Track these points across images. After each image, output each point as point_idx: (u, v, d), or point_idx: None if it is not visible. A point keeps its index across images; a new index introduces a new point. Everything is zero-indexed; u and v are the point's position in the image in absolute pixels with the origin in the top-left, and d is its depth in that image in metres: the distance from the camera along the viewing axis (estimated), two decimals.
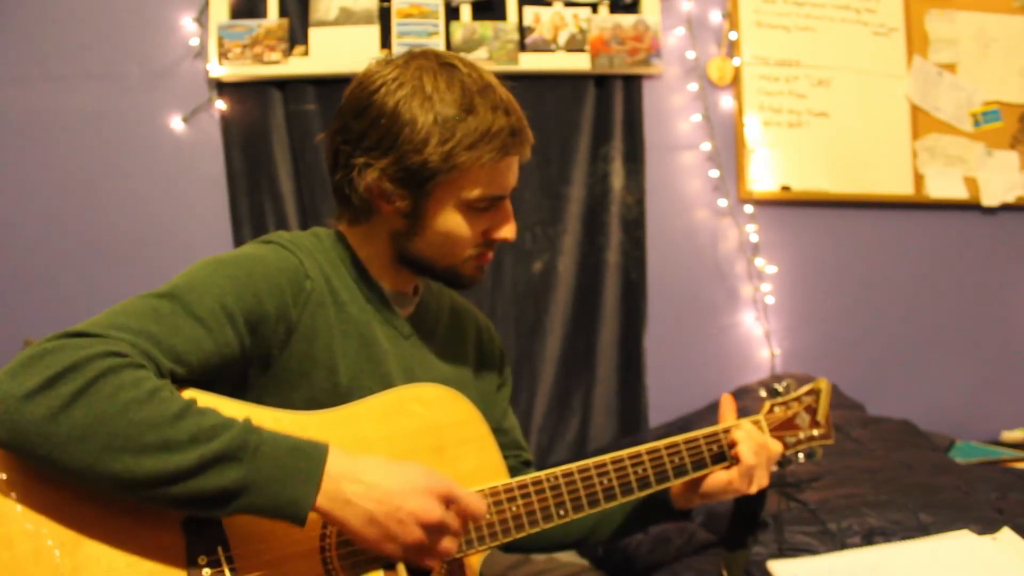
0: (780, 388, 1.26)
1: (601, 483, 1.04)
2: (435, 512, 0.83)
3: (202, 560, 0.80)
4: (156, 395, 0.77)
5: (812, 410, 1.26)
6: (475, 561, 0.96)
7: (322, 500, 0.79)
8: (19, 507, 0.75)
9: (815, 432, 1.25)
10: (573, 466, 1.03)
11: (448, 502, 0.85)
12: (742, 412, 1.22)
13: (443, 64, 1.00)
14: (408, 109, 0.96)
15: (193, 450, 0.75)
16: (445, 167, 0.97)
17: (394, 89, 0.97)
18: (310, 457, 0.80)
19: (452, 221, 1.01)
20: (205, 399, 0.87)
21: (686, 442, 1.13)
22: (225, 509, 0.77)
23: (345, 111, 1.02)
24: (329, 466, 0.80)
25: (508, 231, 1.05)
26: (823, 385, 1.27)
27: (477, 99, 0.97)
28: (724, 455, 1.15)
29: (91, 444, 0.73)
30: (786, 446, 1.22)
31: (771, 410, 1.24)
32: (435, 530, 0.84)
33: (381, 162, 0.98)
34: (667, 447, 1.11)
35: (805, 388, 1.27)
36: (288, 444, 0.80)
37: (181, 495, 0.75)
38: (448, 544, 0.85)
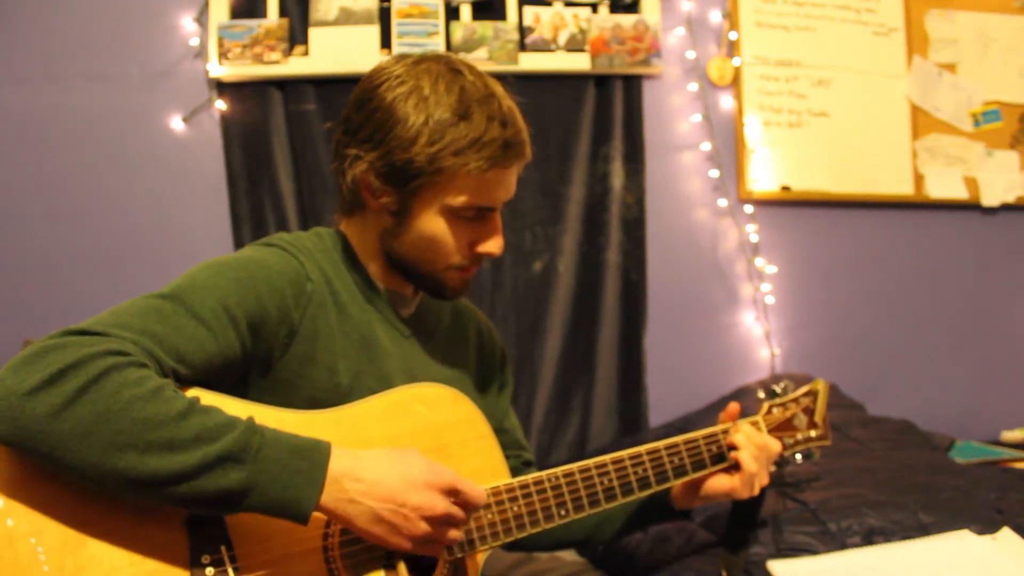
0: (778, 389, 1.27)
1: (602, 483, 1.04)
2: (438, 506, 0.84)
3: (205, 559, 0.80)
4: (160, 393, 0.77)
5: (810, 411, 1.26)
6: (478, 560, 0.97)
7: (326, 500, 0.80)
8: (22, 505, 0.75)
9: (812, 433, 1.25)
10: (574, 466, 1.03)
11: (450, 494, 0.86)
12: (742, 413, 1.22)
13: (450, 69, 1.00)
14: (403, 107, 0.97)
15: (197, 450, 0.75)
16: (430, 168, 0.97)
17: (395, 85, 0.98)
18: (312, 458, 0.80)
19: (436, 225, 1.01)
20: (208, 398, 0.87)
21: (686, 443, 1.13)
22: (228, 509, 0.78)
23: (350, 102, 1.03)
24: (332, 466, 0.81)
25: (494, 245, 1.04)
26: (820, 386, 1.28)
27: (475, 107, 0.97)
28: (723, 456, 1.15)
29: (94, 441, 0.73)
30: (784, 447, 1.23)
31: (769, 411, 1.24)
32: (440, 522, 0.85)
33: (370, 155, 0.99)
34: (667, 448, 1.11)
35: (803, 389, 1.27)
36: (291, 444, 0.80)
37: (184, 494, 0.75)
38: (453, 534, 0.87)
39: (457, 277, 1.06)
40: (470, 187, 0.99)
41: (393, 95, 0.97)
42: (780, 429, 1.23)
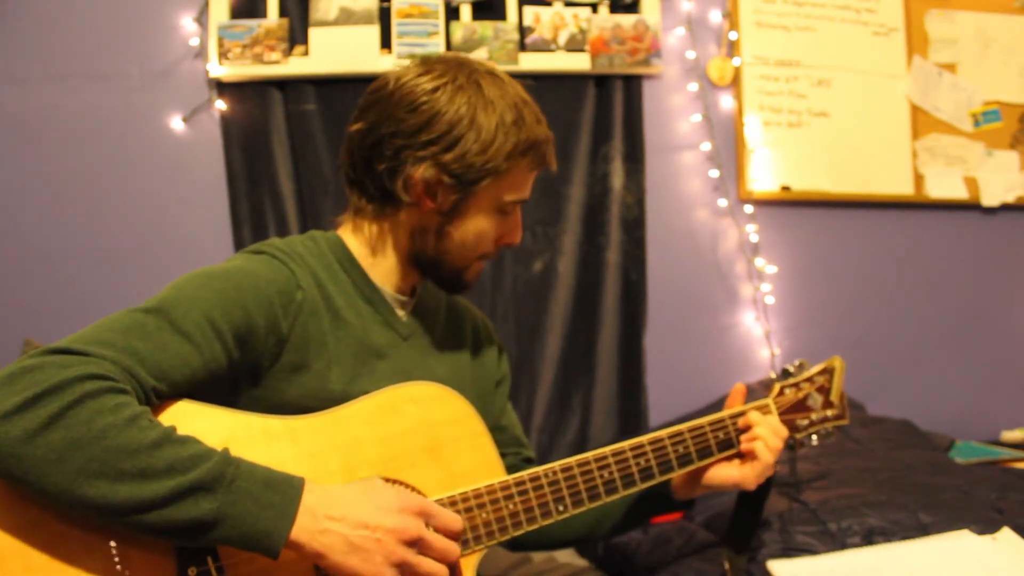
0: (791, 369, 1.23)
1: (601, 476, 1.03)
2: (412, 528, 0.82)
3: (192, 571, 0.80)
4: (135, 422, 0.76)
5: (825, 390, 1.23)
6: (472, 561, 0.96)
7: (297, 533, 0.78)
8: (6, 523, 0.75)
9: (828, 413, 1.22)
10: (572, 460, 1.01)
11: (425, 519, 0.85)
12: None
13: (489, 72, 1.04)
14: (472, 111, 1.00)
15: (169, 479, 0.74)
16: (502, 168, 1.01)
17: (453, 92, 1.00)
18: (285, 492, 0.79)
19: (484, 222, 1.05)
20: (195, 409, 0.86)
21: (690, 430, 1.11)
22: (199, 540, 0.76)
23: (393, 106, 1.01)
24: (304, 499, 0.79)
25: (519, 236, 1.12)
26: (837, 363, 1.24)
27: (525, 110, 1.03)
28: (731, 442, 1.13)
29: (66, 468, 0.72)
30: (797, 429, 1.20)
31: (781, 392, 1.21)
32: (415, 545, 0.83)
33: (444, 157, 1.00)
34: (670, 436, 1.09)
35: (817, 368, 1.24)
36: (265, 477, 0.79)
37: (155, 523, 0.74)
38: (431, 566, 0.84)
39: (478, 268, 1.11)
40: (519, 184, 1.06)
41: (459, 100, 1.00)
42: (793, 411, 1.20)
